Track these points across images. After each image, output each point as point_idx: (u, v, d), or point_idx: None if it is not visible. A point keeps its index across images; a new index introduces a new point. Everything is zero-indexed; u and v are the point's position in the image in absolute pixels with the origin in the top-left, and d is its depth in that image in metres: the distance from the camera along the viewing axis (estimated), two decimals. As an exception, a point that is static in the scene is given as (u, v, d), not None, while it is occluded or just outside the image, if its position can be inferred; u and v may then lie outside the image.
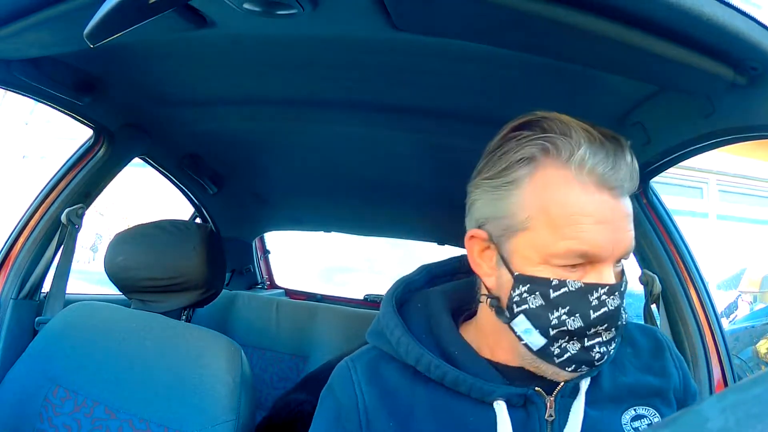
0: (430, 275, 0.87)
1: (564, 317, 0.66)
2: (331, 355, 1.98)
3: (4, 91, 1.20)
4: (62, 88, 1.24)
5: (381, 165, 1.84)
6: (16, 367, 1.19)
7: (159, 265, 1.29)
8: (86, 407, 1.09)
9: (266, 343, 2.27)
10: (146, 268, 1.29)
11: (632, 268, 1.37)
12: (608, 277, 0.67)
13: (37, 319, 1.37)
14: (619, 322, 0.68)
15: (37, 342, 1.21)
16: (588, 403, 0.73)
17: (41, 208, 1.43)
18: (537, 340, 0.68)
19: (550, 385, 0.72)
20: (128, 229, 1.37)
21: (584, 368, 0.68)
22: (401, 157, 1.72)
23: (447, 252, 2.85)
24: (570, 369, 0.68)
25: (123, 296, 1.37)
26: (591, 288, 0.66)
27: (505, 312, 0.71)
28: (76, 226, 1.44)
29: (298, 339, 2.26)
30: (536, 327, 0.68)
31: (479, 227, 0.73)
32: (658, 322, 1.33)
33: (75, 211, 1.43)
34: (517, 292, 0.69)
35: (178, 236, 1.31)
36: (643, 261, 1.36)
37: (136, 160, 1.68)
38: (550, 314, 0.66)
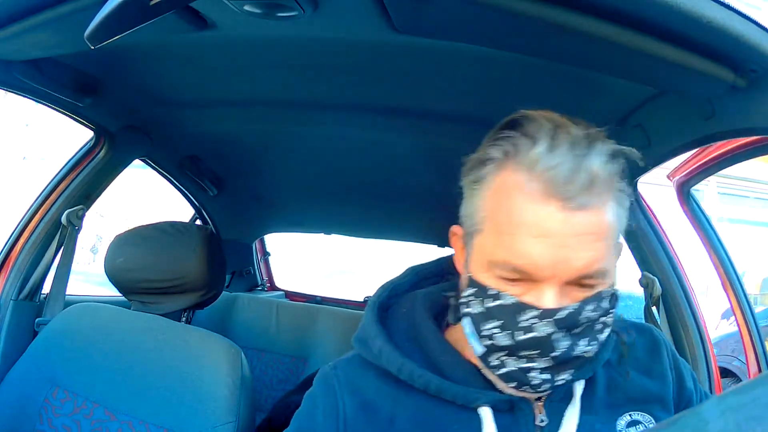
0: (417, 277, 0.85)
1: (496, 331, 0.62)
2: (331, 358, 1.97)
3: (4, 92, 1.20)
4: (63, 89, 1.24)
5: (381, 167, 1.84)
6: (16, 368, 1.19)
7: (159, 267, 1.29)
8: (86, 408, 1.09)
9: (266, 345, 2.27)
10: (146, 269, 1.29)
11: (632, 270, 1.37)
12: (547, 300, 0.60)
13: (37, 320, 1.37)
14: (559, 353, 0.61)
15: (37, 343, 1.21)
16: (582, 407, 0.70)
17: (42, 209, 1.43)
18: (477, 347, 0.66)
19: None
20: (128, 230, 1.37)
21: (528, 389, 0.64)
22: (402, 159, 1.72)
23: (447, 253, 2.84)
24: (512, 385, 0.65)
25: (123, 298, 1.37)
26: (522, 308, 0.61)
27: (456, 312, 0.70)
28: (77, 228, 1.44)
29: (298, 341, 2.25)
30: (476, 333, 0.65)
31: (459, 224, 0.71)
32: (659, 325, 1.33)
33: (75, 212, 1.43)
34: (466, 293, 0.67)
35: (178, 238, 1.31)
36: (643, 263, 1.36)
37: (137, 162, 1.68)
38: (484, 324, 0.63)
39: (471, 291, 0.66)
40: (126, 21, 0.61)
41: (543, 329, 0.60)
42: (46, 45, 0.98)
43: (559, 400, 0.71)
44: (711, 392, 1.26)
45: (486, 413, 0.68)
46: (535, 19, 0.70)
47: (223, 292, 1.60)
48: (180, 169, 1.92)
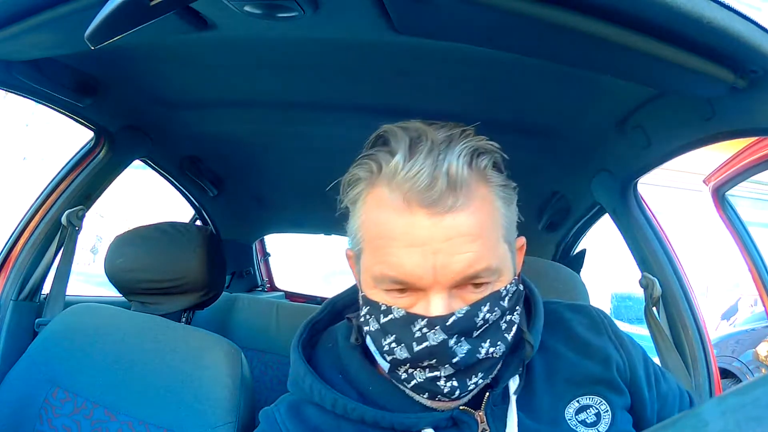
0: (334, 310, 0.83)
1: (393, 345, 0.62)
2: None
3: (4, 92, 1.20)
4: (63, 89, 1.25)
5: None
6: (16, 369, 1.19)
7: (159, 267, 1.29)
8: (86, 409, 1.09)
9: (266, 346, 2.27)
10: (146, 270, 1.29)
11: (632, 271, 1.37)
12: (433, 307, 0.60)
13: (37, 320, 1.37)
14: (458, 359, 0.60)
15: (37, 343, 1.20)
16: (522, 405, 0.69)
17: (42, 209, 1.43)
18: (383, 363, 0.66)
19: (477, 399, 0.68)
20: (128, 231, 1.37)
21: (443, 398, 0.63)
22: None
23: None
24: (426, 396, 0.64)
25: (123, 298, 1.37)
26: (412, 318, 0.60)
27: (359, 332, 0.70)
28: (77, 228, 1.44)
29: (298, 341, 2.24)
30: (377, 350, 0.65)
31: (349, 247, 0.71)
32: (659, 325, 1.32)
33: (75, 212, 1.43)
34: (363, 312, 0.67)
35: (178, 238, 1.31)
36: (643, 264, 1.35)
37: (137, 163, 1.68)
38: (383, 340, 0.63)
39: (366, 309, 0.66)
40: (126, 21, 0.61)
41: (434, 338, 0.59)
42: (47, 45, 0.98)
43: (500, 402, 0.69)
44: (711, 393, 1.26)
45: None
46: (535, 19, 0.70)
47: (223, 293, 1.60)
48: (180, 170, 1.92)
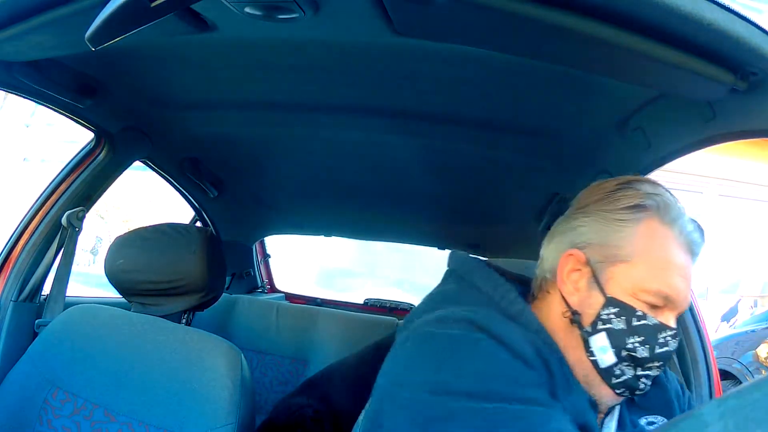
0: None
1: (637, 345, 0.75)
2: (331, 360, 1.98)
3: (5, 93, 1.20)
4: (63, 90, 1.25)
5: (381, 169, 1.84)
6: (16, 369, 1.19)
7: (159, 269, 1.29)
8: (86, 410, 1.09)
9: (266, 347, 2.27)
10: (146, 271, 1.28)
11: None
12: (674, 323, 0.77)
13: (37, 321, 1.37)
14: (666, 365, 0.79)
15: (37, 344, 1.20)
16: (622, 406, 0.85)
17: (42, 210, 1.43)
18: (608, 359, 0.77)
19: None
20: (128, 232, 1.37)
21: (627, 394, 0.78)
22: (402, 161, 1.72)
23: (447, 255, 2.85)
24: (618, 392, 0.78)
25: (123, 299, 1.37)
26: (663, 327, 0.76)
27: (586, 328, 0.78)
28: (77, 229, 1.44)
29: (298, 343, 2.25)
30: (612, 346, 0.76)
31: (577, 248, 0.81)
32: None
33: (75, 213, 1.43)
34: (606, 312, 0.77)
35: (178, 240, 1.31)
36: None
37: (137, 164, 1.68)
38: (627, 338, 0.75)
39: (612, 310, 0.77)
40: (127, 23, 0.62)
41: (673, 344, 0.77)
42: (47, 46, 0.98)
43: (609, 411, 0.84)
44: (711, 395, 1.26)
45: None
46: (534, 21, 0.70)
47: (224, 294, 1.60)
48: (180, 171, 1.92)
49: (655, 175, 1.27)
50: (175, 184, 2.02)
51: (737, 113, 0.88)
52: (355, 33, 0.91)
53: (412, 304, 2.97)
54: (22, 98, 1.23)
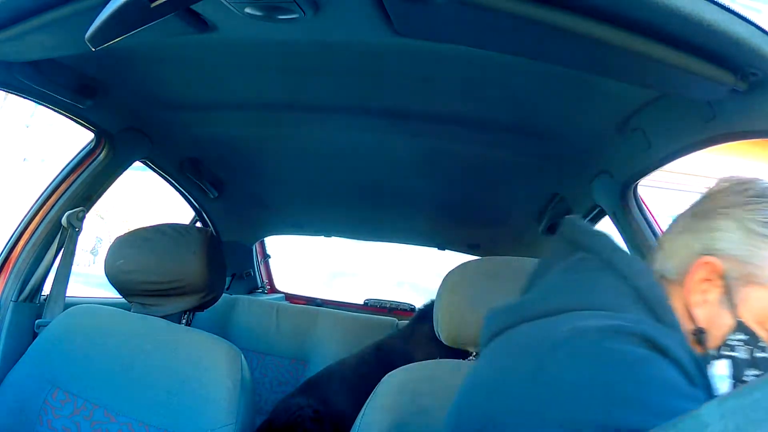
0: None
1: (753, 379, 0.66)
2: (331, 360, 1.98)
3: (5, 93, 1.20)
4: (63, 91, 1.25)
5: (382, 170, 1.84)
6: (16, 370, 1.19)
7: (159, 269, 1.29)
8: (86, 410, 1.09)
9: (266, 348, 2.27)
10: (146, 271, 1.28)
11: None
12: None
13: (37, 321, 1.37)
14: None
15: (37, 344, 1.20)
16: None
17: (42, 210, 1.43)
18: (723, 390, 0.67)
19: None
20: (129, 232, 1.37)
21: None
22: (402, 161, 1.72)
23: (447, 256, 2.85)
24: None
25: (123, 299, 1.37)
26: None
27: (712, 351, 0.69)
28: (77, 229, 1.44)
29: (298, 343, 2.26)
30: (733, 378, 0.67)
31: (715, 257, 0.70)
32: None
33: (76, 214, 1.43)
34: (736, 337, 0.68)
35: (178, 240, 1.31)
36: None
37: (137, 164, 1.68)
38: (746, 371, 0.67)
39: (742, 337, 0.68)
40: (127, 23, 0.62)
41: None
42: (47, 46, 0.98)
43: None
44: (711, 395, 1.26)
45: None
46: (534, 21, 0.70)
47: (224, 295, 1.60)
48: (180, 171, 1.92)
49: (655, 175, 1.28)
50: (175, 184, 2.02)
51: (737, 113, 0.88)
52: (355, 33, 0.91)
53: (412, 305, 2.97)
54: (22, 98, 1.23)
